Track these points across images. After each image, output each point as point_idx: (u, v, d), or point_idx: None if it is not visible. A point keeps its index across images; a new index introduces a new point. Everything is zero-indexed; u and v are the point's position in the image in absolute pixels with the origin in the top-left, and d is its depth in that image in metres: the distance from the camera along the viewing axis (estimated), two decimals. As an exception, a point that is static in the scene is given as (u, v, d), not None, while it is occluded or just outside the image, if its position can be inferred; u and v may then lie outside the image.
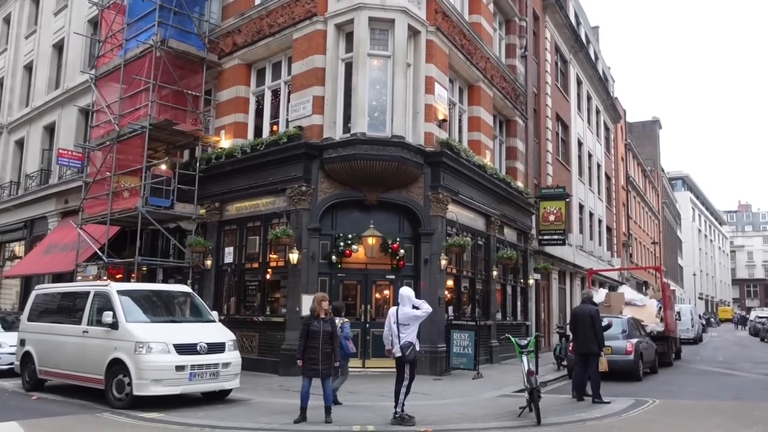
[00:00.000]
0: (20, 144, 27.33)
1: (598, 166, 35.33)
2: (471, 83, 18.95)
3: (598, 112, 36.45)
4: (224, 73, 17.73)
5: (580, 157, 31.49)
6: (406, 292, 9.35)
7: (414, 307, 9.04)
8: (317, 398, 8.98)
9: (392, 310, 9.28)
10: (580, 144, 31.63)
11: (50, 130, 25.22)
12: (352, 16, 15.04)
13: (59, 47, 25.50)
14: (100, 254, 17.10)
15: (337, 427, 8.64)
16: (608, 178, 38.07)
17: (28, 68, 27.70)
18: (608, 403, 10.86)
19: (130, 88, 17.26)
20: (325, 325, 8.97)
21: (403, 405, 8.76)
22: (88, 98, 20.75)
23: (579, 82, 32.49)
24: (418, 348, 9.00)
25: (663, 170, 67.52)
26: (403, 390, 8.77)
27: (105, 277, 16.62)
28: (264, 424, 8.86)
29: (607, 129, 39.02)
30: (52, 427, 8.78)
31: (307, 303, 14.20)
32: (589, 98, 34.40)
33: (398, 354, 8.80)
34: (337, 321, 9.88)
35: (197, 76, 17.32)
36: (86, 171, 19.60)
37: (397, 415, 8.72)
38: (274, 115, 17.02)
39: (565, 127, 29.37)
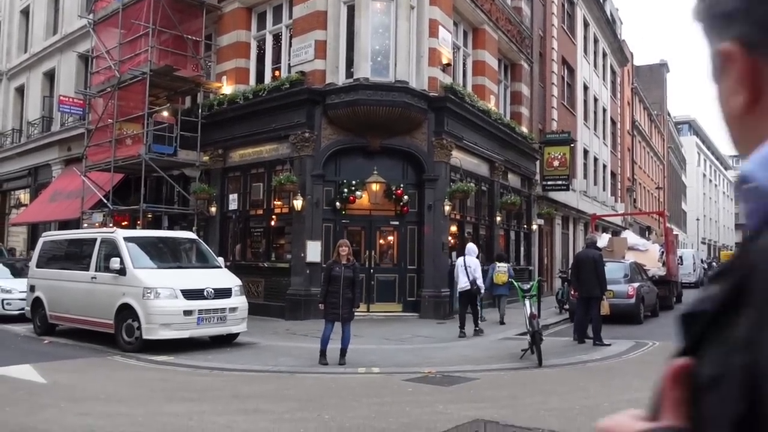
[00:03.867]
0: (20, 91, 27.09)
1: (604, 110, 34.94)
2: (476, 26, 18.60)
3: (604, 55, 35.82)
4: (224, 17, 17.42)
5: (585, 102, 31.12)
6: (471, 246, 13.20)
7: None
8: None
9: (460, 259, 12.82)
10: (585, 88, 31.21)
11: (50, 76, 24.97)
12: (354, -44, 14.67)
13: (56, -9, 25.00)
14: (105, 201, 17.16)
15: (343, 369, 8.85)
16: (614, 122, 37.70)
17: (25, 13, 27.22)
18: (609, 345, 11.06)
19: (129, 33, 17.01)
20: (347, 270, 9.07)
21: (479, 322, 12.66)
22: (87, 44, 20.45)
23: (586, 25, 31.83)
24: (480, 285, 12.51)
25: (669, 114, 66.79)
26: (478, 311, 12.85)
27: (111, 224, 16.74)
28: (271, 366, 9.08)
29: (613, 73, 38.42)
30: (66, 369, 9.01)
31: (312, 249, 14.37)
32: (595, 41, 33.75)
33: (467, 288, 12.21)
34: (502, 266, 14.62)
35: (197, 21, 17.03)
36: (88, 118, 19.50)
37: (477, 328, 12.38)
38: (276, 60, 16.79)
39: (571, 71, 28.93)
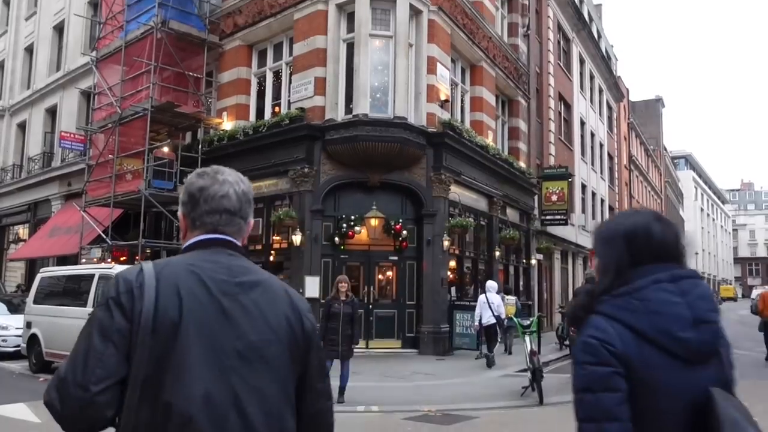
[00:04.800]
0: (22, 127, 27.30)
1: (601, 145, 35.21)
2: (473, 63, 18.85)
3: (600, 91, 36.25)
4: (225, 54, 17.65)
5: (582, 137, 31.38)
6: (492, 283, 14.13)
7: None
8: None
9: (482, 296, 13.67)
10: (582, 123, 31.51)
11: (52, 112, 25.19)
12: (354, -4, 14.94)
13: (60, 29, 25.37)
14: (104, 237, 17.14)
15: (341, 407, 8.74)
16: (611, 157, 37.96)
17: (29, 50, 27.58)
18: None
19: (131, 70, 17.21)
20: (346, 307, 9.01)
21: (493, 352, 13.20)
22: (90, 80, 20.68)
23: (582, 61, 32.27)
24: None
25: (666, 149, 67.27)
26: (497, 342, 13.60)
27: (109, 260, 16.70)
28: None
29: (609, 108, 38.83)
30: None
31: (310, 284, 14.32)
32: (591, 77, 34.19)
33: (492, 322, 13.19)
34: (510, 299, 15.43)
35: (198, 58, 17.25)
36: (89, 153, 19.60)
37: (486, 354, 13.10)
38: (276, 96, 16.97)
39: (568, 107, 29.24)
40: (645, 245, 1.69)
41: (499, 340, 14.06)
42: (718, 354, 1.66)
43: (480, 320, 13.35)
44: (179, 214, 1.76)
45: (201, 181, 1.71)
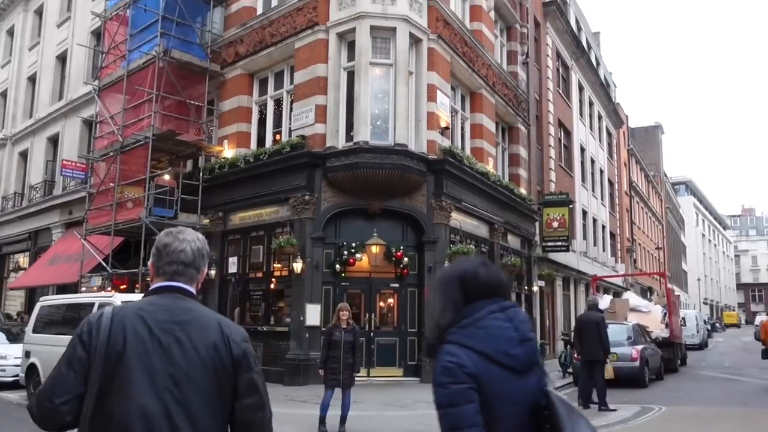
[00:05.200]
0: (24, 155, 27.42)
1: (601, 171, 35.31)
2: (473, 90, 18.98)
3: (600, 117, 36.46)
4: (227, 82, 17.79)
5: (582, 163, 31.48)
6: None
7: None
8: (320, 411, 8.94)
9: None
10: (582, 150, 31.63)
11: (54, 141, 25.32)
12: (354, 24, 15.10)
13: (62, 59, 25.62)
14: (105, 265, 17.10)
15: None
16: (611, 183, 38.03)
17: (32, 80, 27.82)
18: (614, 410, 10.82)
19: (133, 99, 17.33)
20: (347, 335, 8.93)
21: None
22: (92, 109, 20.81)
23: (581, 88, 32.51)
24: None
25: (666, 175, 67.44)
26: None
27: (109, 288, 16.62)
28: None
29: (609, 134, 39.02)
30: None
31: (311, 312, 14.24)
32: (591, 104, 34.42)
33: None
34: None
35: (200, 86, 17.37)
36: (90, 182, 19.66)
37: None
38: (277, 124, 17.06)
39: (568, 133, 29.38)
40: (474, 285, 2.15)
41: None
42: (537, 363, 2.12)
43: None
44: (149, 263, 2.30)
45: (166, 239, 2.26)
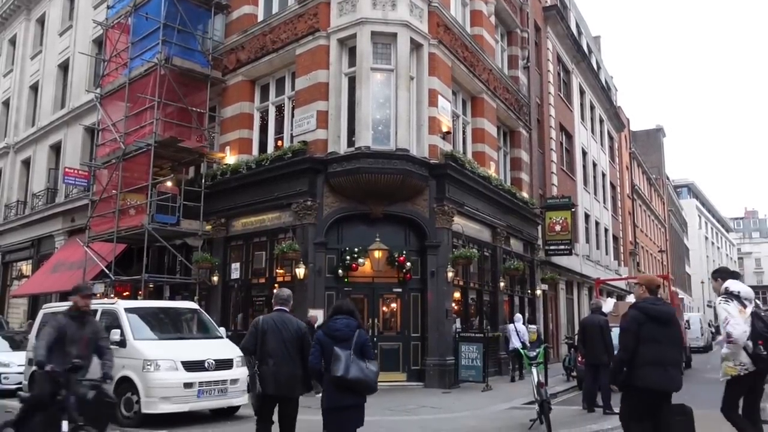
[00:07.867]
0: (27, 163, 27.49)
1: (603, 175, 35.31)
2: (474, 95, 19.00)
3: (601, 121, 36.48)
4: (228, 89, 17.83)
5: (584, 167, 31.48)
6: (519, 316, 17.92)
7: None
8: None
9: (511, 326, 16.74)
10: (584, 153, 31.64)
11: (56, 149, 25.38)
12: (355, 30, 15.13)
13: (64, 67, 25.72)
14: (107, 272, 17.13)
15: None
16: (613, 187, 38.02)
17: (34, 88, 27.93)
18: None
19: (135, 107, 17.37)
20: None
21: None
22: (94, 117, 20.87)
23: (582, 92, 32.54)
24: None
25: (668, 178, 67.37)
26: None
27: (112, 295, 16.63)
28: (273, 440, 8.80)
29: (611, 138, 39.03)
30: (61, 446, 8.72)
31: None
32: (592, 108, 34.44)
33: (519, 347, 15.51)
34: (532, 327, 18.11)
35: (201, 93, 17.42)
36: (92, 189, 19.70)
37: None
38: (279, 130, 17.08)
39: (569, 137, 29.38)
40: (337, 310, 5.95)
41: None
42: (351, 338, 5.67)
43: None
44: (273, 300, 6.97)
45: (276, 291, 6.99)
